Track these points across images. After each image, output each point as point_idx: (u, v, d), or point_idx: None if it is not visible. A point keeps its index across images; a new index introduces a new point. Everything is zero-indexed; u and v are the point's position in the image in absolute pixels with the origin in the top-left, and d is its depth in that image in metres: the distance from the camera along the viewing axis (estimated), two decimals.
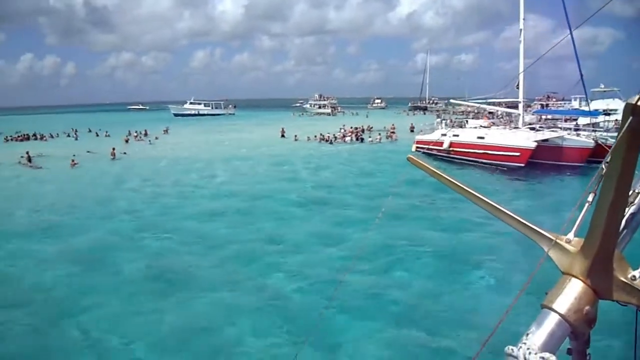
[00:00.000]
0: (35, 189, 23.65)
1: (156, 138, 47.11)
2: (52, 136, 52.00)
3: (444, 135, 28.76)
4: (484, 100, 36.94)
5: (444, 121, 33.08)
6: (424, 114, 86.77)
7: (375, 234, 12.95)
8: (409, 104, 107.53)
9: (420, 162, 1.59)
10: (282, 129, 46.75)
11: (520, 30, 27.81)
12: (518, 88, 29.00)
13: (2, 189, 23.93)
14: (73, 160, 30.21)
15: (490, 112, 37.23)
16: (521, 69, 28.08)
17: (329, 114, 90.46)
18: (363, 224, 14.34)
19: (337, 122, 64.02)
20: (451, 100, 38.16)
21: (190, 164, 30.79)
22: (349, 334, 8.50)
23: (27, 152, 33.02)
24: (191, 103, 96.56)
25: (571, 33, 22.20)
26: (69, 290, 10.71)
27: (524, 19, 27.76)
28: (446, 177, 1.45)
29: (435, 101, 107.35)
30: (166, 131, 53.92)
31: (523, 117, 29.91)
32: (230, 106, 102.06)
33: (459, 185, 1.40)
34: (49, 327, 9.06)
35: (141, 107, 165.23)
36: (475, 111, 36.07)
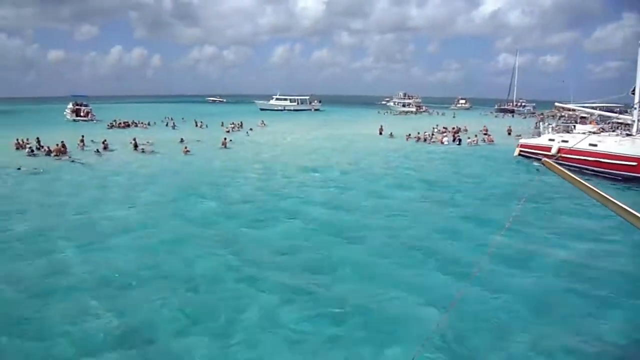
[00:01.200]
0: (173, 172, 24.94)
1: (251, 129, 49.57)
2: (149, 124, 54.69)
3: (552, 140, 28.60)
4: (588, 105, 35.50)
5: (549, 125, 32.55)
6: (512, 116, 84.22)
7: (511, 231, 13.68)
8: (496, 106, 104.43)
9: (559, 167, 1.49)
10: (381, 126, 48.13)
11: None
12: (634, 93, 28.12)
13: (143, 168, 25.80)
14: (185, 148, 32.05)
15: (582, 117, 35.78)
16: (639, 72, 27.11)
17: (414, 113, 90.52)
18: (497, 219, 15.26)
19: (424, 121, 64.02)
20: (556, 104, 37.23)
21: (309, 153, 32.32)
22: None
23: (134, 139, 34.35)
24: (277, 98, 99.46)
25: None
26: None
27: None
28: (588, 185, 1.28)
29: (522, 104, 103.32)
30: (263, 124, 57.21)
31: (638, 124, 28.92)
32: (315, 102, 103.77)
33: (601, 194, 1.24)
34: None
35: (219, 99, 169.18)
36: (583, 115, 34.89)
